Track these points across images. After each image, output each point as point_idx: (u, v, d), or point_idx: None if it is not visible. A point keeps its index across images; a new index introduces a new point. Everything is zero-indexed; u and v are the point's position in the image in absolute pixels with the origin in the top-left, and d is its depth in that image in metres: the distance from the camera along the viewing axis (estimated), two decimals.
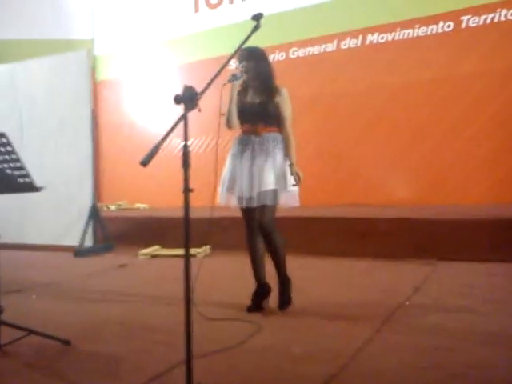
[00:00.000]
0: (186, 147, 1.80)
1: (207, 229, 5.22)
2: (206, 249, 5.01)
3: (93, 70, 8.13)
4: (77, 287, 3.89)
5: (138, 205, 7.41)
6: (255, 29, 2.24)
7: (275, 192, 2.78)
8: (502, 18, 5.39)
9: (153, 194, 7.40)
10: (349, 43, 6.33)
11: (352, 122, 6.25)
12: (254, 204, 2.79)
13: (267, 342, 2.41)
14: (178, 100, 1.83)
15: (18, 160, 2.51)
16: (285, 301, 2.89)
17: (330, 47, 6.44)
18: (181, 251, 5.16)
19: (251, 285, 2.99)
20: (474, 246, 4.07)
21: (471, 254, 4.03)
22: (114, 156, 8.07)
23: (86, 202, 5.56)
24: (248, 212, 2.88)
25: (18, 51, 7.82)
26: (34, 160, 5.65)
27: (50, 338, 2.44)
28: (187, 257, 1.82)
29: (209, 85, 1.92)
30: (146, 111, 7.98)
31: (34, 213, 5.80)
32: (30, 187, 2.58)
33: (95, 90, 8.22)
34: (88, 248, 5.46)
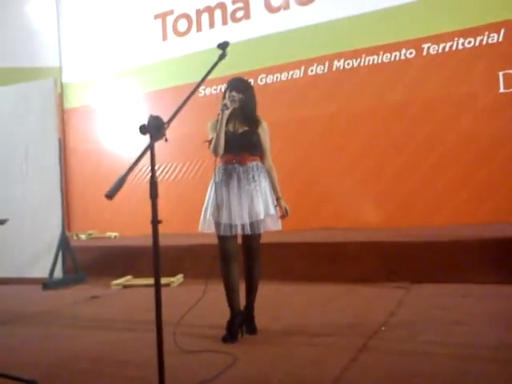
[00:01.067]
0: (153, 178, 1.79)
1: (179, 257, 5.18)
2: (180, 277, 4.94)
3: (61, 97, 8.09)
4: (46, 322, 3.75)
5: (109, 233, 7.29)
6: (221, 57, 2.28)
7: (264, 220, 2.88)
8: (460, 47, 5.62)
9: (124, 222, 7.30)
10: (315, 69, 6.46)
11: (320, 147, 6.35)
12: (246, 231, 2.83)
13: (244, 374, 2.36)
14: (143, 130, 1.82)
15: None
16: (255, 326, 3.00)
17: (298, 73, 6.56)
18: (153, 281, 5.02)
19: (225, 313, 2.94)
20: (444, 268, 4.13)
21: (442, 275, 4.09)
22: (83, 184, 7.96)
23: (55, 231, 5.40)
24: (228, 240, 2.88)
25: None
26: None
27: (14, 379, 2.33)
28: (158, 292, 1.77)
29: (176, 114, 1.92)
30: (116, 138, 7.93)
31: (0, 244, 5.62)
32: None
33: (63, 117, 8.16)
34: (58, 280, 5.29)
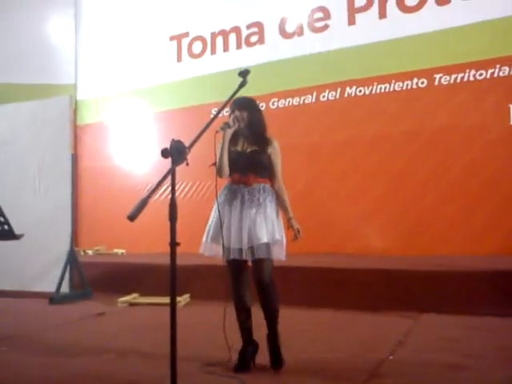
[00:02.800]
0: (173, 200, 1.83)
1: (186, 277, 5.18)
2: (186, 297, 4.95)
3: (74, 114, 8.21)
4: (52, 338, 3.75)
5: (115, 250, 7.31)
6: (242, 85, 2.32)
7: (269, 245, 2.68)
8: (471, 78, 5.69)
9: (131, 240, 7.32)
10: (327, 95, 6.54)
11: (329, 172, 6.40)
12: (244, 257, 2.68)
13: None
14: (165, 154, 1.86)
15: None
16: (280, 360, 2.75)
17: (310, 99, 6.65)
18: (161, 300, 5.07)
19: (233, 335, 2.87)
20: (452, 299, 4.11)
21: (450, 306, 4.06)
22: (92, 200, 8.01)
23: (63, 246, 5.42)
24: (236, 264, 2.76)
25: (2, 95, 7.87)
26: (10, 203, 5.59)
27: None
28: (173, 313, 1.80)
29: (197, 139, 1.97)
30: (127, 157, 8.02)
31: (9, 257, 5.62)
32: (9, 235, 2.55)
33: (76, 133, 8.26)
34: (64, 295, 5.30)
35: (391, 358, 2.95)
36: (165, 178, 1.78)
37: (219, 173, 2.77)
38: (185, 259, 5.25)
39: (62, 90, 8.08)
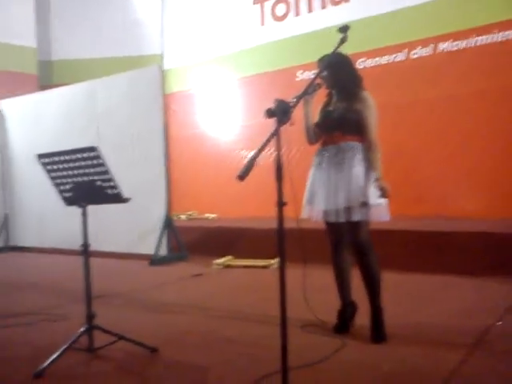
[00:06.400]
0: (278, 160, 1.82)
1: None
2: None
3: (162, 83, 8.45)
4: (155, 296, 4.00)
5: (207, 215, 7.54)
6: (343, 41, 2.25)
7: (363, 206, 2.55)
8: None
9: (221, 204, 7.50)
10: (419, 52, 6.17)
11: (422, 133, 6.07)
12: (333, 218, 2.63)
13: (352, 359, 2.37)
14: (270, 114, 1.85)
15: (106, 172, 2.63)
16: (380, 335, 2.60)
17: (400, 57, 6.31)
18: (254, 262, 5.18)
19: (330, 298, 2.90)
20: None
21: None
22: (183, 167, 8.26)
23: (159, 212, 5.73)
24: (331, 227, 2.74)
25: (96, 69, 8.27)
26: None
27: (139, 344, 2.53)
28: (282, 271, 1.83)
29: (300, 99, 1.94)
30: (213, 123, 8.15)
31: (110, 222, 6.01)
32: (119, 198, 2.70)
33: (164, 102, 8.51)
34: (163, 257, 5.63)
35: (500, 323, 2.82)
36: (270, 138, 1.77)
37: (307, 140, 2.82)
38: (274, 223, 5.36)
39: (149, 60, 8.34)
